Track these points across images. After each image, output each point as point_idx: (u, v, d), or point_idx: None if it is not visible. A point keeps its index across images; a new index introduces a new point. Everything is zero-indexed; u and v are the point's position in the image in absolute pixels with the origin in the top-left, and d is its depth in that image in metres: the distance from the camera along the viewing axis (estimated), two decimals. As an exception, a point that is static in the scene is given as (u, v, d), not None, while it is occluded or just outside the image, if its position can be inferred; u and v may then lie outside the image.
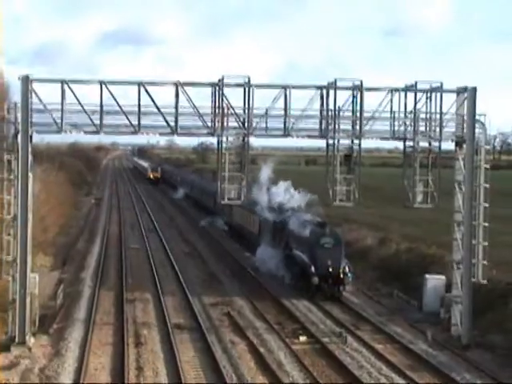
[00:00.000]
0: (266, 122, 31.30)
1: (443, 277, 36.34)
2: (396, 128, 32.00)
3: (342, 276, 39.20)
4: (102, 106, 30.04)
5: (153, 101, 30.09)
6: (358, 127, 31.48)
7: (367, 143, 32.78)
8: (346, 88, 31.48)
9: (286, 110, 31.02)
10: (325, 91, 31.23)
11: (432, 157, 32.39)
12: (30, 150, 29.88)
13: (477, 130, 32.26)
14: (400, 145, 33.74)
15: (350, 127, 31.71)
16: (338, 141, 31.76)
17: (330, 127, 31.44)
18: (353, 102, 31.40)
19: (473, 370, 28.15)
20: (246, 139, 31.13)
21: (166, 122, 30.54)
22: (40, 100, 29.74)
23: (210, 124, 30.82)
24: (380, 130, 32.04)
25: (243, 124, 30.95)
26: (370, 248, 50.11)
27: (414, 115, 31.88)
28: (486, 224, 32.35)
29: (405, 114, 31.97)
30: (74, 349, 29.91)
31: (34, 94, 29.62)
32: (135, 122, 30.36)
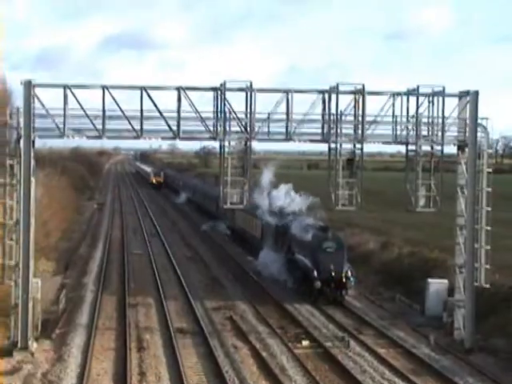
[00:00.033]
0: (268, 127, 31.28)
1: (446, 281, 36.29)
2: (398, 132, 31.98)
3: (344, 280, 39.18)
4: (104, 110, 30.04)
5: (155, 105, 30.13)
6: (360, 131, 31.46)
7: (369, 147, 32.81)
8: (348, 92, 31.49)
9: (287, 114, 31.01)
10: (327, 95, 31.24)
11: (434, 161, 32.38)
12: (32, 154, 29.90)
13: (479, 134, 32.24)
14: (402, 149, 33.76)
15: (352, 131, 31.69)
16: (341, 145, 31.73)
17: (332, 131, 31.43)
18: (355, 106, 31.39)
19: (476, 374, 28.11)
20: (248, 143, 31.15)
21: (169, 126, 30.57)
22: (42, 105, 29.77)
23: (212, 128, 30.82)
24: (382, 134, 32.01)
25: (245, 128, 30.95)
26: (372, 252, 50.08)
27: (416, 119, 31.86)
28: (489, 228, 32.33)
29: (407, 118, 31.95)
30: (77, 354, 29.88)
31: (36, 99, 29.64)
32: (137, 127, 30.37)
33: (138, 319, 35.82)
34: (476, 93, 31.94)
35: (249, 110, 30.79)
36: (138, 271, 49.49)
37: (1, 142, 30.29)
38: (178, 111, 30.43)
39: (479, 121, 32.15)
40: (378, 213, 68.54)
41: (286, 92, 30.85)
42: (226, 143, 31.12)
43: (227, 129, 30.82)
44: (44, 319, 33.26)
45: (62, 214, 67.89)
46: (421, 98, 31.82)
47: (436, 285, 36.58)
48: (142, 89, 30.06)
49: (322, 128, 31.60)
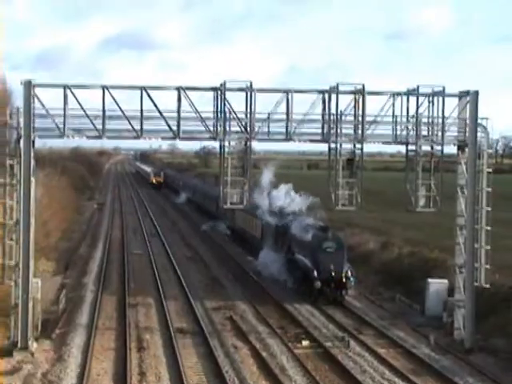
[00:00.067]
0: (268, 127, 31.28)
1: (446, 281, 36.29)
2: (398, 132, 31.98)
3: (344, 280, 39.17)
4: (104, 110, 30.03)
5: (155, 105, 30.13)
6: (360, 131, 31.46)
7: (369, 147, 32.80)
8: (348, 92, 31.49)
9: (287, 114, 31.01)
10: (327, 95, 31.24)
11: (434, 161, 32.37)
12: (32, 154, 29.90)
13: (479, 134, 32.24)
14: (402, 149, 33.75)
15: (352, 131, 31.69)
16: (341, 145, 31.73)
17: (332, 131, 31.42)
18: (355, 106, 31.39)
19: (476, 374, 28.12)
20: (248, 143, 31.15)
21: (169, 126, 30.57)
22: (42, 105, 29.77)
23: (212, 128, 30.82)
24: (382, 134, 32.01)
25: (245, 128, 30.95)
26: (372, 252, 50.09)
27: (416, 119, 31.86)
28: (489, 228, 32.34)
29: (407, 118, 31.95)
30: (77, 354, 29.89)
31: (36, 99, 29.65)
32: (138, 127, 30.37)
33: (138, 319, 35.82)
34: (476, 93, 31.95)
35: (249, 110, 30.79)
36: (138, 271, 49.49)
37: (1, 142, 30.29)
38: (178, 111, 30.43)
39: (479, 121, 32.16)
40: (378, 213, 68.54)
41: (286, 92, 30.85)
42: (226, 143, 31.12)
43: (227, 129, 30.81)
44: (44, 319, 33.26)
45: (62, 213, 67.90)
46: (421, 98, 31.82)
47: (436, 285, 36.58)
48: (142, 89, 30.07)
49: (322, 128, 31.60)
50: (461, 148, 32.72)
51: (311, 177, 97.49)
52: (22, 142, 29.66)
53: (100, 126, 30.16)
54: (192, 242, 65.23)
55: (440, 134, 31.98)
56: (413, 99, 31.84)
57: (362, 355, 30.36)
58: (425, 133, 32.11)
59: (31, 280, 30.14)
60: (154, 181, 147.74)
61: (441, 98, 31.81)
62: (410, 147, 32.46)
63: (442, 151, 32.32)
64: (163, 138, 31.82)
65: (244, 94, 30.68)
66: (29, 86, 29.49)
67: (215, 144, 32.57)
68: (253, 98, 30.64)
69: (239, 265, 52.36)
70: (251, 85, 30.55)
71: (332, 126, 31.35)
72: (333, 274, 39.11)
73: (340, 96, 31.32)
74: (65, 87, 29.73)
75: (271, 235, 48.46)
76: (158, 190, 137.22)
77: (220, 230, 70.25)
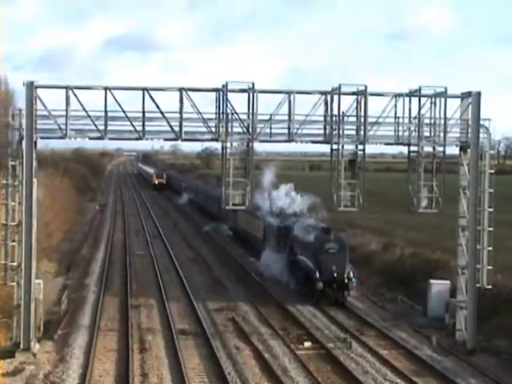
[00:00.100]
0: (271, 128, 31.29)
1: (448, 282, 36.27)
2: (400, 133, 31.97)
3: (346, 281, 39.15)
4: (106, 111, 30.06)
5: (157, 106, 30.14)
6: (362, 132, 31.45)
7: (371, 148, 32.78)
8: (350, 93, 31.49)
9: (290, 115, 31.00)
10: (329, 96, 31.24)
11: (436, 162, 32.35)
12: (34, 155, 29.91)
13: (481, 135, 32.24)
14: (404, 150, 33.70)
15: (354, 132, 31.70)
16: (343, 146, 31.71)
17: (334, 132, 31.42)
18: (357, 107, 31.39)
19: (478, 375, 28.09)
20: (250, 145, 31.15)
21: (171, 127, 30.57)
22: (45, 106, 29.79)
23: (214, 129, 30.83)
24: (384, 135, 32.03)
25: (247, 129, 30.95)
26: (374, 253, 50.07)
27: (419, 120, 31.85)
28: (491, 229, 32.32)
29: (409, 119, 31.94)
30: (79, 355, 29.89)
31: (38, 100, 29.67)
32: (140, 128, 30.40)
33: (140, 320, 35.82)
34: (478, 94, 31.94)
35: (251, 111, 30.79)
36: (140, 272, 49.48)
37: (3, 143, 30.33)
38: (180, 112, 30.44)
39: (481, 122, 32.16)
40: (380, 214, 68.51)
41: (288, 93, 30.85)
42: (228, 144, 31.10)
43: (229, 130, 30.82)
44: (46, 320, 33.29)
45: (64, 215, 67.93)
46: (423, 99, 31.82)
47: (438, 286, 36.56)
48: (144, 90, 30.09)
49: (324, 129, 31.61)
50: (463, 149, 32.70)
51: (313, 178, 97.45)
52: (24, 143, 29.67)
53: (102, 127, 30.17)
54: (194, 243, 65.23)
55: (442, 135, 31.97)
56: (415, 100, 31.84)
57: (364, 356, 30.35)
58: (427, 134, 32.10)
59: (33, 281, 30.14)
60: (156, 182, 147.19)
61: (443, 99, 31.82)
62: (412, 148, 32.45)
63: (444, 152, 32.32)
64: (165, 139, 31.86)
65: (246, 95, 30.69)
66: (31, 87, 29.50)
67: (217, 145, 32.60)
68: (255, 99, 30.65)
69: (241, 266, 52.35)
70: (253, 86, 30.55)
71: (334, 127, 31.35)
72: (335, 275, 39.08)
73: (342, 97, 31.32)
74: (67, 88, 29.74)
75: (273, 236, 48.45)
76: (160, 192, 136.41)
77: (222, 231, 70.28)
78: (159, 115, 30.32)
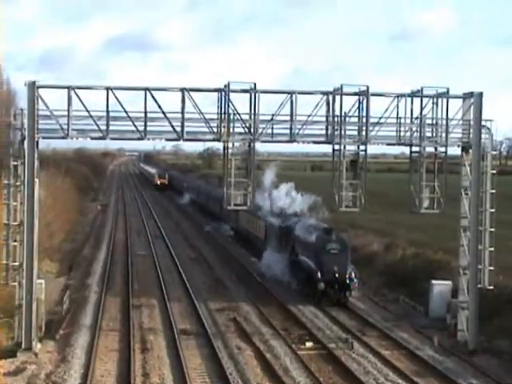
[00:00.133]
0: (272, 128, 31.30)
1: (449, 282, 36.27)
2: (402, 134, 31.96)
3: (348, 282, 39.15)
4: (108, 111, 30.07)
5: (159, 106, 30.16)
6: (364, 133, 31.46)
7: (373, 149, 32.80)
8: (352, 94, 31.49)
9: (291, 115, 31.01)
10: (331, 97, 31.23)
11: (438, 162, 32.34)
12: (36, 155, 29.92)
13: (483, 136, 32.24)
14: (406, 150, 33.78)
15: (356, 133, 31.70)
16: (344, 146, 31.70)
17: (336, 133, 31.41)
18: (359, 107, 31.39)
19: (479, 376, 28.09)
20: (251, 145, 31.15)
21: (173, 127, 30.57)
22: (46, 106, 29.79)
23: (215, 129, 30.83)
24: (386, 135, 32.03)
25: (249, 130, 30.95)
26: (376, 254, 50.05)
27: (420, 121, 31.85)
28: (493, 229, 32.31)
29: (411, 119, 31.94)
30: (81, 355, 29.91)
31: (40, 100, 29.68)
32: (141, 128, 30.41)
33: (141, 320, 35.83)
34: (480, 94, 31.94)
35: (253, 112, 30.79)
36: (142, 272, 49.49)
37: (5, 143, 30.34)
38: (182, 112, 30.45)
39: (483, 122, 32.16)
40: (381, 214, 68.46)
41: (290, 93, 30.85)
42: (230, 144, 31.11)
43: (231, 130, 30.82)
44: (48, 320, 33.33)
45: (66, 215, 67.94)
46: (425, 100, 31.82)
47: (440, 286, 36.56)
48: (146, 90, 30.09)
49: (326, 129, 31.61)
50: (465, 149, 32.71)
51: (315, 178, 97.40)
52: (25, 143, 29.67)
53: (104, 127, 30.18)
54: (196, 243, 65.24)
55: (444, 135, 31.96)
56: (417, 101, 31.84)
57: (365, 357, 30.34)
58: (429, 134, 32.10)
59: (35, 281, 30.16)
60: (158, 182, 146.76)
61: (445, 100, 31.81)
62: (414, 149, 32.47)
63: (445, 153, 32.31)
64: (167, 139, 31.85)
65: (248, 95, 30.68)
66: (33, 87, 29.51)
67: (219, 145, 32.59)
68: (257, 99, 30.66)
69: (243, 266, 52.35)
70: (255, 86, 30.55)
71: (336, 127, 31.34)
72: (336, 275, 39.08)
73: (344, 97, 31.33)
74: (69, 88, 29.75)
75: (275, 236, 48.45)
76: (162, 192, 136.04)
77: (223, 231, 70.29)
78: (161, 115, 30.33)
